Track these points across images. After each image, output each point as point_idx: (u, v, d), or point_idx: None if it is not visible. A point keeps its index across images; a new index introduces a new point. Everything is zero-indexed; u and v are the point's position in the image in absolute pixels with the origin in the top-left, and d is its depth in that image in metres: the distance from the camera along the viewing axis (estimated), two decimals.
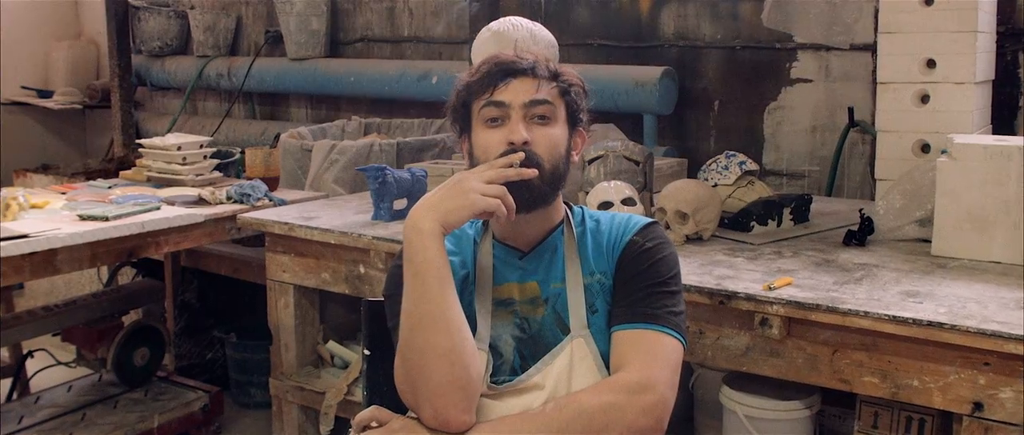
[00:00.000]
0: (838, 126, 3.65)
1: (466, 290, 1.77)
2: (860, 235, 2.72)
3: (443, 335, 1.57)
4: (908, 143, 2.89)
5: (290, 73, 5.09)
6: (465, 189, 1.60)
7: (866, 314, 2.11)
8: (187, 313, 4.08)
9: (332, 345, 3.29)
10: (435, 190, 1.65)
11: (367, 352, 1.93)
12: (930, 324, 2.03)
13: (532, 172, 1.63)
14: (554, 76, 1.75)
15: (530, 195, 1.70)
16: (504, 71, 1.71)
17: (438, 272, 1.59)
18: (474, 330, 1.74)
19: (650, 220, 1.81)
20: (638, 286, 1.71)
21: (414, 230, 1.61)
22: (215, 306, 4.19)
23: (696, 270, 2.44)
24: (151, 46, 5.83)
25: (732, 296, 2.27)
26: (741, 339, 2.33)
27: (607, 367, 1.72)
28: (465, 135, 1.79)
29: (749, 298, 2.25)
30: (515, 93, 1.71)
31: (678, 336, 1.70)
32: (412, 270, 1.60)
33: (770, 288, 2.26)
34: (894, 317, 2.08)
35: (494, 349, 1.75)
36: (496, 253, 1.80)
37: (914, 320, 2.05)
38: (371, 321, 1.94)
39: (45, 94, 6.24)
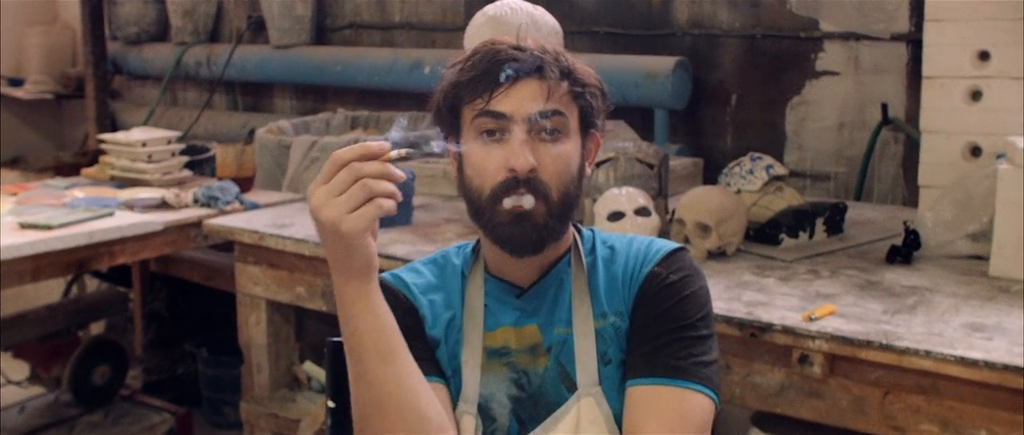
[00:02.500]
0: (868, 123, 3.36)
1: (450, 338, 1.44)
2: (906, 251, 2.39)
3: (393, 421, 1.26)
4: (956, 145, 2.58)
5: (273, 62, 4.78)
6: (339, 234, 1.21)
7: (928, 354, 1.79)
8: (156, 324, 3.76)
9: (309, 366, 2.97)
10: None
11: (331, 404, 1.60)
12: (1006, 368, 1.70)
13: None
14: (565, 74, 1.41)
15: (535, 234, 1.37)
16: (504, 71, 1.36)
17: (376, 343, 1.26)
18: (458, 388, 1.41)
19: (676, 246, 1.47)
20: (660, 330, 1.38)
21: (336, 294, 1.27)
22: (186, 316, 3.86)
23: (722, 294, 2.11)
24: (127, 32, 5.51)
25: (767, 328, 1.94)
26: (775, 376, 2.01)
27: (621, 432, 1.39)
28: (453, 138, 1.45)
29: (787, 331, 1.92)
30: (518, 101, 1.36)
31: (709, 392, 1.37)
32: (345, 346, 1.30)
33: (811, 318, 1.94)
34: (961, 358, 1.76)
35: (485, 412, 1.42)
36: (488, 288, 1.47)
37: (986, 362, 1.73)
38: (335, 364, 1.60)
39: (16, 82, 5.91)
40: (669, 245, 1.47)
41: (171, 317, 3.82)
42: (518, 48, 1.38)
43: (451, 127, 1.44)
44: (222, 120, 5.09)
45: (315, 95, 5.00)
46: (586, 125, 1.43)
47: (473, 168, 1.39)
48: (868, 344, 1.84)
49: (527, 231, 1.36)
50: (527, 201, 1.35)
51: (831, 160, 3.46)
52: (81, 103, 5.66)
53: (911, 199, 3.25)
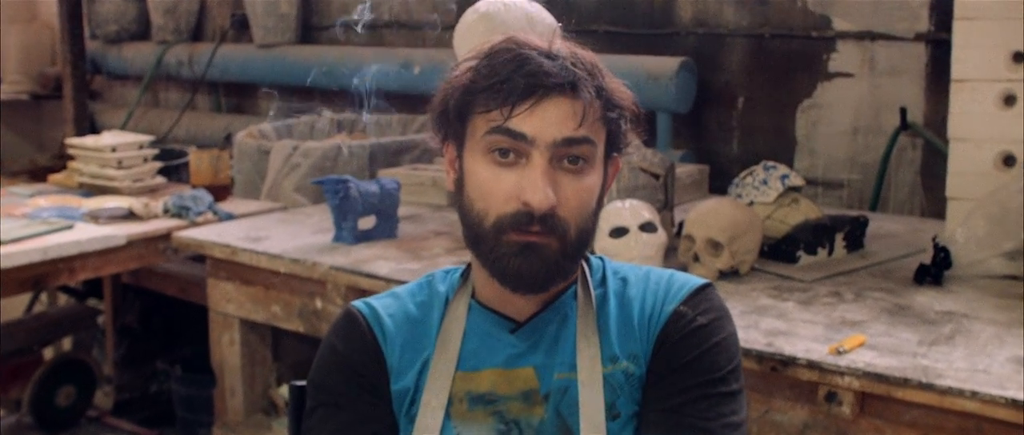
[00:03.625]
0: (884, 128, 3.21)
1: (424, 383, 1.23)
2: (936, 271, 2.19)
3: None
4: (988, 154, 2.38)
5: (256, 62, 4.62)
6: None
7: (974, 395, 1.59)
8: (128, 339, 3.54)
9: (287, 389, 2.74)
10: None
11: None
12: None
13: None
14: (600, 93, 1.19)
15: (543, 270, 1.16)
16: (531, 83, 1.13)
17: None
18: None
19: (701, 281, 1.26)
20: (686, 383, 1.17)
21: None
22: (160, 331, 3.65)
23: (737, 320, 1.87)
24: (107, 30, 5.34)
25: (790, 362, 1.74)
26: (797, 415, 1.81)
27: None
28: (451, 145, 1.24)
29: (812, 366, 1.72)
30: (544, 123, 1.14)
31: None
32: None
33: (839, 351, 1.73)
34: (1012, 400, 1.55)
35: None
36: (475, 321, 1.25)
37: None
38: (297, 409, 1.40)
39: None
40: (694, 280, 1.26)
41: (144, 332, 3.61)
42: (549, 55, 1.16)
43: (454, 135, 1.22)
44: (205, 122, 4.93)
45: (301, 96, 4.81)
46: (610, 150, 1.23)
47: (478, 191, 1.17)
48: (905, 382, 1.64)
49: (534, 266, 1.15)
50: (539, 238, 1.15)
51: (844, 167, 3.32)
52: (59, 104, 5.49)
53: (931, 210, 3.09)
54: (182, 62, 4.96)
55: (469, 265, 1.28)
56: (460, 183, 1.21)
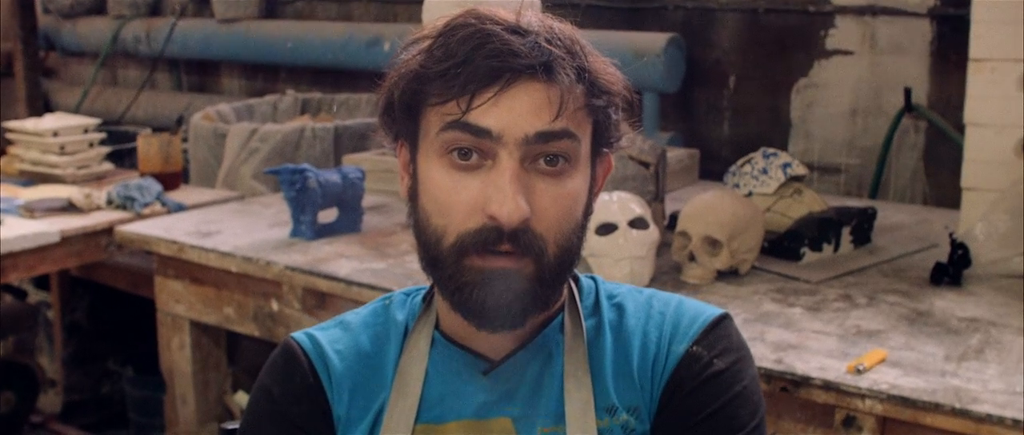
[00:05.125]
0: (885, 110, 3.04)
1: (379, 431, 1.01)
2: (954, 271, 1.99)
3: None
4: (1008, 141, 2.21)
5: (217, 37, 4.41)
6: None
7: (1016, 423, 1.38)
8: (76, 337, 3.30)
9: (243, 396, 2.54)
10: None
11: None
12: None
13: None
14: (582, 76, 0.97)
15: (516, 302, 0.94)
16: (495, 66, 0.90)
17: None
18: None
19: (716, 312, 1.04)
20: None
21: None
22: (111, 329, 3.40)
23: (741, 329, 1.68)
24: (61, 4, 5.13)
25: (803, 382, 1.53)
26: None
27: None
28: (404, 146, 1.02)
29: (829, 387, 1.52)
30: (512, 115, 0.92)
31: None
32: None
33: (858, 370, 1.52)
34: None
35: None
36: (439, 360, 1.03)
37: None
38: None
39: None
40: (707, 311, 1.04)
41: (94, 329, 3.37)
42: (517, 30, 0.93)
43: (405, 132, 1.00)
44: (164, 102, 4.73)
45: (266, 74, 4.61)
46: (598, 145, 1.00)
47: (434, 202, 0.95)
48: (936, 408, 1.43)
49: (504, 296, 0.93)
50: (509, 261, 0.93)
51: (842, 151, 3.16)
52: (11, 82, 5.25)
53: (934, 197, 2.94)
54: (140, 38, 4.73)
55: (432, 287, 1.05)
56: (414, 192, 0.99)
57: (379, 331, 1.07)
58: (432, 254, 0.96)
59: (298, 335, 1.08)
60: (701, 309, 1.03)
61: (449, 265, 0.94)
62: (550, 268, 0.94)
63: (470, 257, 0.93)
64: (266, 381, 1.06)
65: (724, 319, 1.03)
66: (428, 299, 1.07)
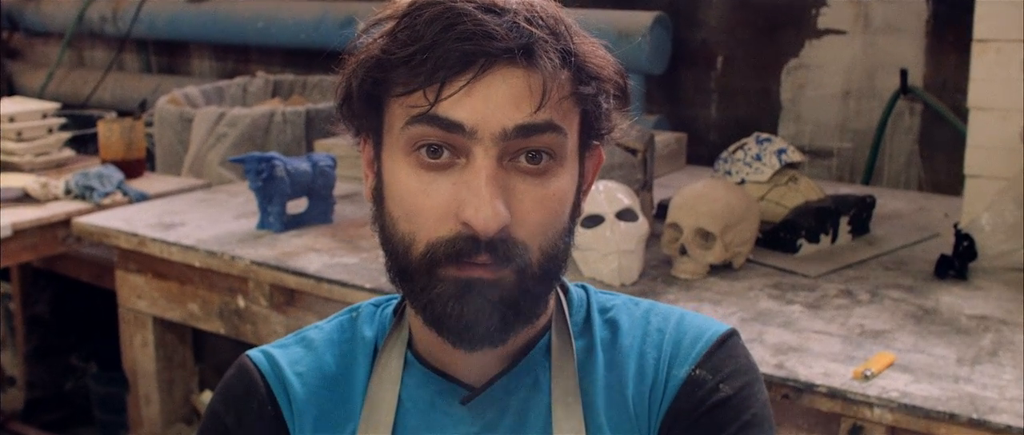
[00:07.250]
0: (879, 92, 2.96)
1: None
2: (959, 263, 1.89)
3: None
4: (1014, 126, 2.10)
5: (186, 17, 4.29)
6: None
7: None
8: (38, 331, 3.16)
9: (210, 395, 2.40)
10: None
11: None
12: None
13: None
14: (567, 60, 0.84)
15: (495, 316, 0.81)
16: (467, 50, 0.78)
17: None
18: None
19: (722, 329, 0.93)
20: None
21: None
22: (74, 322, 3.27)
23: (738, 329, 1.59)
24: None
25: (806, 389, 1.42)
26: None
27: None
28: (368, 141, 0.89)
29: (834, 394, 1.41)
30: (488, 106, 0.79)
31: None
32: None
33: (866, 376, 1.42)
34: None
35: None
36: (413, 383, 0.91)
37: None
38: None
39: None
40: (712, 328, 0.92)
41: (56, 323, 3.23)
42: (492, 9, 0.81)
43: (368, 127, 0.87)
44: (132, 84, 4.60)
45: (236, 55, 4.48)
46: (587, 138, 0.88)
47: (401, 206, 0.83)
48: (951, 418, 1.33)
49: (481, 312, 0.81)
50: (487, 271, 0.81)
51: (834, 135, 3.08)
52: None
53: (930, 183, 2.84)
54: (106, 18, 4.58)
55: (404, 299, 0.93)
56: (379, 194, 0.86)
57: (345, 350, 0.95)
58: (400, 264, 0.84)
59: (255, 354, 0.96)
60: (705, 326, 0.92)
61: (420, 276, 0.82)
62: (534, 278, 0.83)
63: (443, 267, 0.81)
64: (219, 407, 0.94)
65: (731, 337, 0.91)
66: (400, 312, 0.95)
